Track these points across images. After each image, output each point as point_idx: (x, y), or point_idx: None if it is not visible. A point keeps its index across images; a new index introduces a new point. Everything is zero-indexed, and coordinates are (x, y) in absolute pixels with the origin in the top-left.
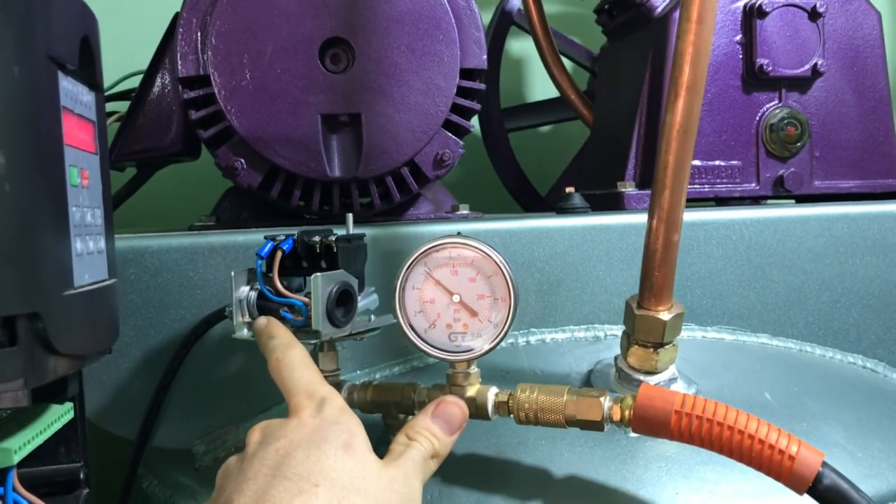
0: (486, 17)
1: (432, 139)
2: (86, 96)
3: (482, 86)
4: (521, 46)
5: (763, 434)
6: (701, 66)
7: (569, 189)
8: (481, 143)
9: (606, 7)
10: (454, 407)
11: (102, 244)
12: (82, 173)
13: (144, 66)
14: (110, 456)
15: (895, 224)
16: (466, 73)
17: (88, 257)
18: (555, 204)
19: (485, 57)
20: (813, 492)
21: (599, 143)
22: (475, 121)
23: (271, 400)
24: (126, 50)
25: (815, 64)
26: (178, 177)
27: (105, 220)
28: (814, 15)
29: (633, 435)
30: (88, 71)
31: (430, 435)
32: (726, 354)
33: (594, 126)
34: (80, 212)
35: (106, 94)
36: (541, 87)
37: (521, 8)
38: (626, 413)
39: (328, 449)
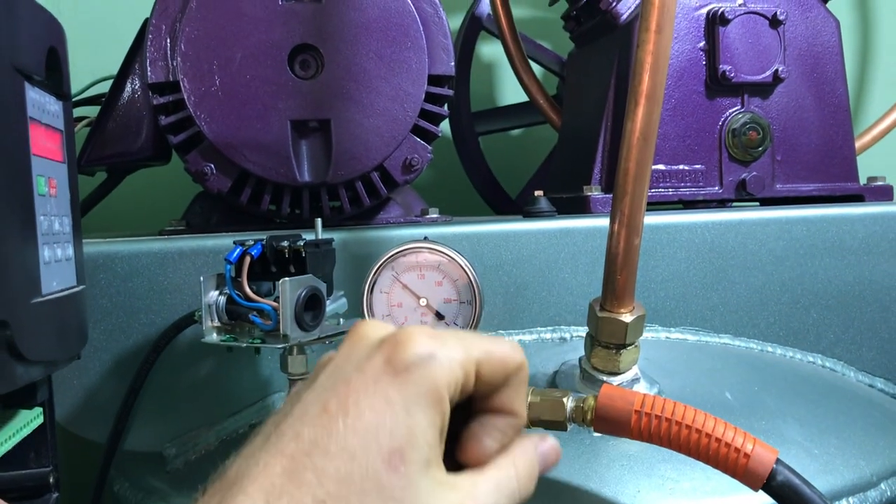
0: (457, 22)
1: (401, 144)
2: (53, 106)
3: (450, 92)
4: (491, 51)
5: (720, 433)
6: (660, 75)
7: (537, 192)
8: (453, 146)
9: (574, 14)
10: (554, 454)
11: (70, 251)
12: (50, 182)
13: (115, 71)
14: (83, 460)
15: (853, 227)
16: (435, 80)
17: (56, 265)
18: (524, 207)
19: (452, 63)
20: (767, 488)
21: (567, 148)
22: (446, 124)
23: (241, 403)
24: (98, 55)
25: (777, 70)
26: (148, 181)
27: (73, 227)
28: (774, 22)
29: (596, 434)
30: (55, 81)
31: (524, 476)
32: (689, 355)
33: (562, 130)
34: (47, 221)
35: (76, 99)
36: (511, 91)
37: (491, 13)
38: (588, 413)
39: (371, 449)
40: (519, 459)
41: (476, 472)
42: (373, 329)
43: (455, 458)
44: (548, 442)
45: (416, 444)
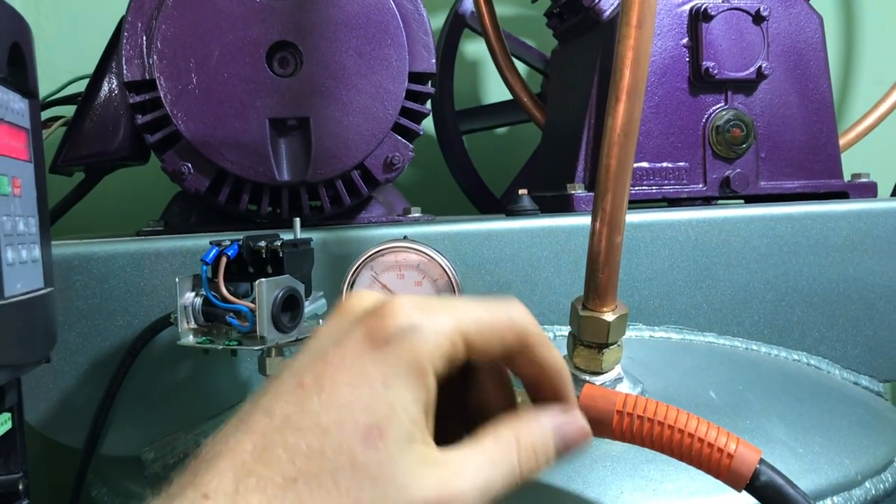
0: (439, 20)
1: (382, 143)
2: (18, 104)
3: (432, 89)
4: (475, 49)
5: (703, 433)
6: (641, 70)
7: (521, 191)
8: (437, 144)
9: (557, 11)
10: (582, 436)
11: (37, 253)
12: (14, 182)
13: (92, 69)
14: (59, 464)
15: (836, 224)
16: (416, 77)
17: (21, 266)
18: (507, 206)
19: (434, 61)
20: (751, 488)
21: (550, 146)
22: (430, 123)
23: (220, 405)
24: (77, 53)
25: (760, 67)
26: (127, 181)
27: (40, 228)
28: (758, 18)
29: None
30: (21, 78)
31: (533, 459)
32: (673, 353)
33: (545, 128)
34: (10, 221)
35: (52, 98)
36: (496, 90)
37: (474, 10)
38: None
39: (346, 425)
40: (524, 432)
41: (471, 446)
42: (359, 301)
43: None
44: (569, 417)
45: (395, 419)
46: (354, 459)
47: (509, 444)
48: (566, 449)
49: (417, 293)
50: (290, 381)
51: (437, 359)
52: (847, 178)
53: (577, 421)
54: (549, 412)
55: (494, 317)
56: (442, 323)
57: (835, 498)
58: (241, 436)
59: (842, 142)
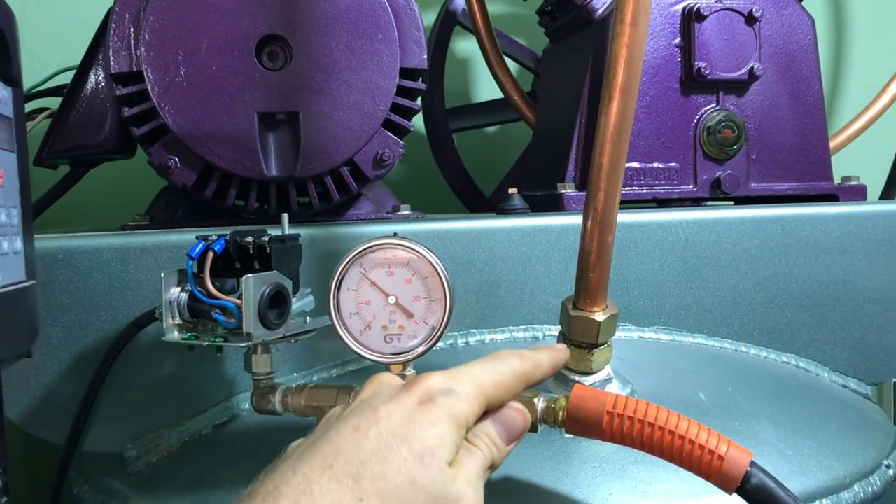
0: (431, 17)
1: (372, 139)
2: (1, 92)
3: (423, 85)
4: (466, 46)
5: (693, 434)
6: (635, 69)
7: (511, 190)
8: (427, 142)
9: (548, 9)
10: (517, 414)
11: (19, 244)
12: None
13: (79, 61)
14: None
15: (827, 226)
16: (406, 73)
17: (2, 258)
18: (498, 204)
19: (425, 56)
20: (741, 491)
21: (541, 145)
22: (420, 121)
23: (205, 403)
24: (63, 44)
25: (752, 68)
26: (112, 175)
27: (23, 219)
28: (750, 19)
29: (567, 435)
30: (3, 66)
31: (490, 442)
32: (662, 354)
33: (536, 127)
34: None
35: (37, 89)
36: (486, 88)
37: (466, 8)
38: (560, 414)
39: (401, 452)
40: (480, 431)
41: (468, 458)
42: (391, 378)
43: None
44: (505, 413)
45: (443, 446)
46: (412, 477)
47: (480, 452)
48: (512, 426)
49: (407, 291)
50: (347, 427)
51: (469, 415)
52: (837, 180)
53: (509, 404)
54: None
55: (506, 377)
56: (469, 389)
57: (824, 500)
58: (306, 469)
59: (832, 144)
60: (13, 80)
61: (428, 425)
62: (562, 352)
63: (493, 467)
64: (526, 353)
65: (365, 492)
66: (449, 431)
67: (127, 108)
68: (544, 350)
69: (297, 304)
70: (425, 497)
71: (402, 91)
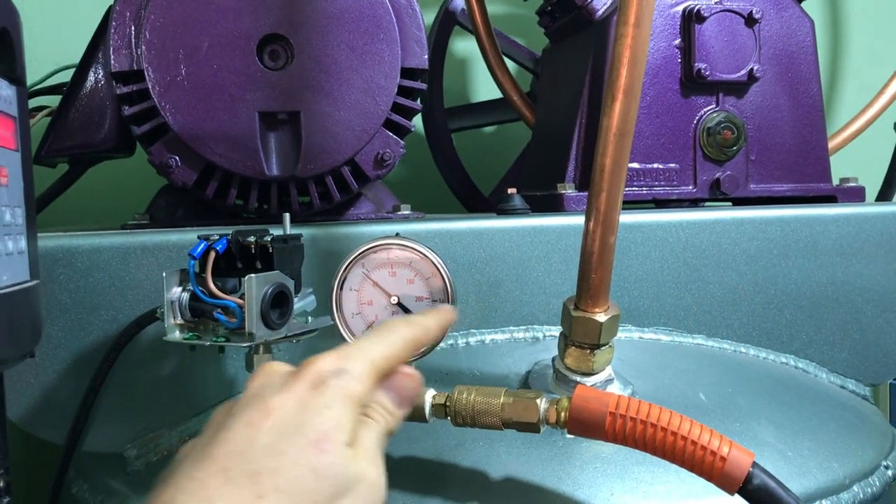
0: (430, 17)
1: (373, 138)
2: (5, 91)
3: (423, 85)
4: (465, 46)
5: (695, 435)
6: (638, 70)
7: (510, 190)
8: (426, 142)
9: (548, 9)
10: (408, 379)
11: (23, 244)
12: (0, 171)
13: (78, 59)
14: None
15: (826, 227)
16: (407, 73)
17: (7, 258)
18: (497, 204)
19: (426, 56)
20: (743, 492)
21: (540, 145)
22: (419, 120)
23: (205, 402)
24: (61, 42)
25: (752, 69)
26: (112, 174)
27: (27, 219)
28: (750, 21)
29: (569, 436)
30: (8, 65)
31: (384, 412)
32: (663, 355)
33: (536, 127)
34: None
35: (36, 87)
36: (485, 88)
37: (465, 8)
38: (562, 415)
39: (297, 442)
40: (373, 402)
41: (364, 433)
42: (276, 367)
43: None
44: (396, 380)
45: (339, 429)
46: (311, 466)
47: (378, 422)
48: (403, 390)
49: (409, 291)
50: (236, 425)
51: (364, 394)
52: (835, 182)
53: (400, 369)
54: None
55: (396, 347)
56: (360, 369)
57: (824, 501)
58: (202, 475)
59: (830, 146)
60: (17, 79)
61: (323, 409)
62: (448, 313)
63: (389, 434)
64: (414, 318)
65: (264, 489)
66: (345, 412)
67: (127, 107)
68: (431, 314)
69: (298, 304)
70: (328, 483)
71: (403, 91)
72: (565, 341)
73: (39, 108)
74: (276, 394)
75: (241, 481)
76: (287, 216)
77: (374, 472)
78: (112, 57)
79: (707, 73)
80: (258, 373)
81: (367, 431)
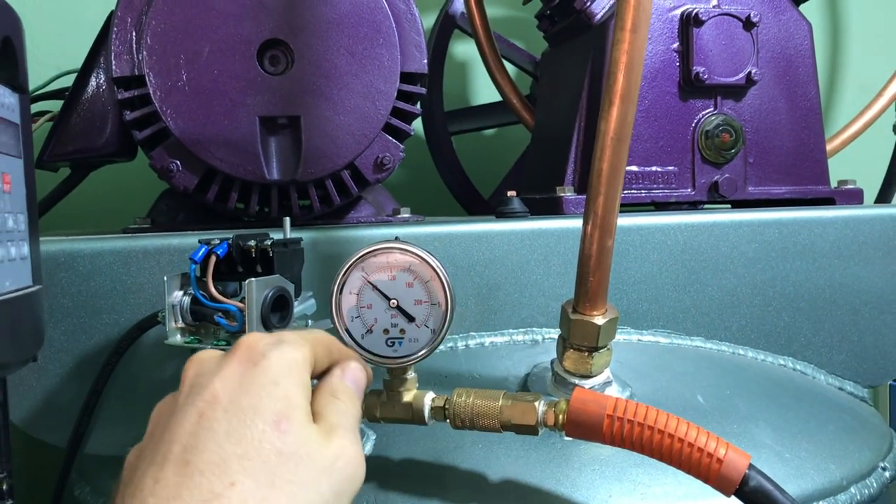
0: (430, 20)
1: (372, 143)
2: (8, 98)
3: (423, 90)
4: (465, 49)
5: (692, 438)
6: (635, 75)
7: (510, 193)
8: (426, 145)
9: (548, 13)
10: (361, 372)
11: (26, 250)
12: (3, 178)
13: (80, 64)
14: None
15: (824, 230)
16: (407, 77)
17: (10, 264)
18: (497, 207)
19: (425, 61)
20: (740, 493)
21: (540, 148)
22: (419, 123)
23: None
24: (63, 48)
25: (750, 72)
26: (113, 178)
27: (29, 225)
28: (748, 24)
29: (567, 438)
30: (11, 73)
31: (353, 397)
32: (661, 357)
33: (535, 131)
34: (0, 217)
35: (38, 93)
36: (485, 91)
37: (465, 11)
38: (560, 417)
39: (257, 426)
40: (340, 387)
41: (331, 411)
42: (207, 353)
43: None
44: (353, 370)
45: (294, 406)
46: (276, 448)
47: (339, 401)
48: (359, 382)
49: (408, 295)
50: (187, 420)
51: (307, 361)
52: (833, 184)
53: (349, 363)
54: (336, 372)
55: (324, 336)
56: (296, 338)
57: (821, 503)
58: (158, 473)
59: (828, 148)
60: (20, 87)
61: (271, 386)
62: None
63: (356, 418)
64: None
65: (234, 475)
66: (294, 384)
67: (128, 112)
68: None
69: (299, 308)
70: (295, 463)
71: (402, 95)
72: (564, 344)
73: (42, 113)
74: (216, 377)
75: (209, 472)
76: (287, 220)
77: (350, 449)
78: (113, 62)
79: (705, 76)
80: (189, 365)
81: (334, 407)
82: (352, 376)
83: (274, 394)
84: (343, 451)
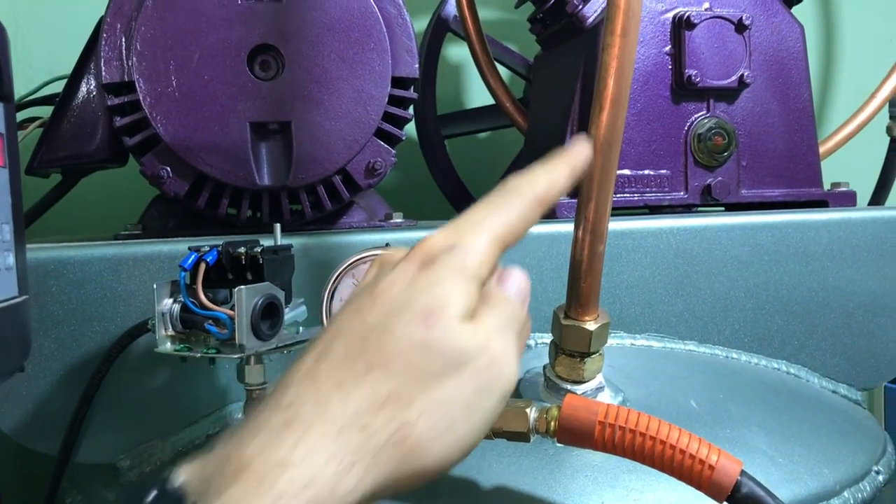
0: (422, 24)
1: (364, 148)
2: None
3: (414, 94)
4: (458, 53)
5: (684, 444)
6: (625, 79)
7: None
8: (419, 148)
9: (540, 16)
10: (520, 278)
11: (11, 260)
12: None
13: (70, 70)
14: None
15: (817, 233)
16: (398, 82)
17: None
18: None
19: (417, 65)
20: (732, 500)
21: (533, 151)
22: (412, 126)
23: (198, 413)
24: (54, 53)
25: (742, 75)
26: (104, 184)
27: (15, 235)
28: (740, 27)
29: (559, 444)
30: None
31: (507, 301)
32: (654, 362)
33: (528, 134)
34: None
35: (28, 98)
36: (478, 94)
37: (457, 14)
38: (552, 424)
39: (402, 319)
40: (507, 296)
41: (486, 314)
42: (393, 253)
43: None
44: (513, 278)
45: (449, 305)
46: (418, 340)
47: (506, 304)
48: (521, 290)
49: None
50: (345, 315)
51: (482, 269)
52: (827, 186)
53: (516, 277)
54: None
55: (518, 210)
56: (475, 242)
57: None
58: (299, 373)
59: (821, 150)
60: (5, 96)
61: (430, 287)
62: (580, 151)
63: (519, 331)
64: (537, 175)
65: (370, 364)
66: (456, 287)
67: (118, 118)
68: (560, 161)
69: (289, 315)
70: (437, 356)
71: (393, 100)
72: (556, 349)
73: (32, 119)
74: (385, 278)
75: (345, 363)
76: (278, 227)
77: (499, 346)
78: (103, 68)
79: (697, 79)
80: (371, 265)
81: (493, 311)
82: (515, 286)
83: (431, 293)
84: (486, 347)
